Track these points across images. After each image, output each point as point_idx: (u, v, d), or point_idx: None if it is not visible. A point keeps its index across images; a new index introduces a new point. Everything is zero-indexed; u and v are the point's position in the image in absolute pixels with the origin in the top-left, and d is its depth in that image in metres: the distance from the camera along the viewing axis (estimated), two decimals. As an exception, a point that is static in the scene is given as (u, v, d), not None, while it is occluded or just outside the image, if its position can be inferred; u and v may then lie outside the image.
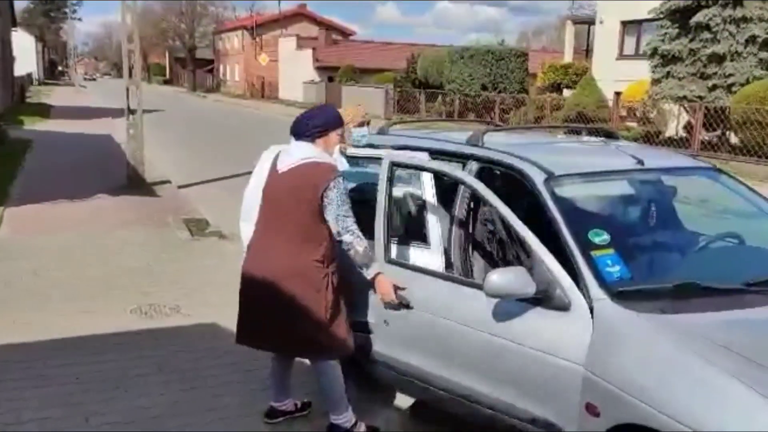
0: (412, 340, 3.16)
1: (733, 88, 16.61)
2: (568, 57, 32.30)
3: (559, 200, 2.87)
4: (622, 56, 25.77)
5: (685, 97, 17.18)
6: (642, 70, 22.26)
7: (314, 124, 3.17)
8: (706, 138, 16.30)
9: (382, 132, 4.69)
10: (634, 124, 19.69)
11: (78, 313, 5.00)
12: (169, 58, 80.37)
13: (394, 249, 3.36)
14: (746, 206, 3.42)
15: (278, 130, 28.09)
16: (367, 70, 38.33)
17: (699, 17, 16.87)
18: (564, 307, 2.56)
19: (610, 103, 20.29)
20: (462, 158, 3.53)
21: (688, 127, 17.50)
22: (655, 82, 18.45)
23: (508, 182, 3.39)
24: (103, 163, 12.74)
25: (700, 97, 16.99)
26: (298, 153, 3.15)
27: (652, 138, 17.53)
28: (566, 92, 28.89)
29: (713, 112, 15.10)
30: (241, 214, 3.42)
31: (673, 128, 18.43)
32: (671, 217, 3.49)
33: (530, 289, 2.55)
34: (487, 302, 2.72)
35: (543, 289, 2.59)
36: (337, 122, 3.23)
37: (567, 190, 2.97)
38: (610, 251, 2.70)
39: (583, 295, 2.55)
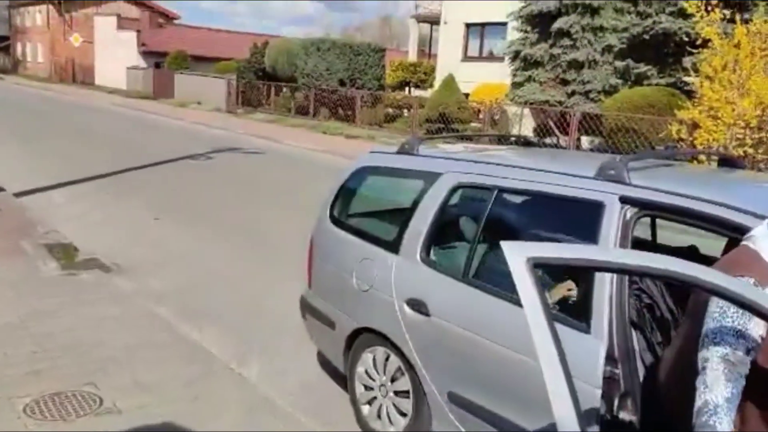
0: None
1: (591, 95, 17.25)
2: (412, 55, 32.37)
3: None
4: (466, 58, 26.15)
5: (546, 102, 17.51)
6: (485, 73, 22.61)
7: None
8: (561, 141, 16.68)
9: (406, 151, 3.46)
10: (479, 126, 19.73)
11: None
12: (-50, 32, 69.46)
13: None
14: None
15: (108, 119, 24.38)
16: (201, 58, 35.47)
17: (560, 23, 17.27)
18: None
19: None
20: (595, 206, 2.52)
21: (539, 130, 17.77)
22: (517, 85, 18.67)
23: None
24: None
25: (560, 102, 17.42)
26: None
27: (504, 140, 17.59)
28: (414, 91, 28.83)
29: (583, 117, 15.41)
30: None
31: (516, 131, 18.75)
32: None
33: None
34: None
35: None
36: None
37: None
38: None
39: None
